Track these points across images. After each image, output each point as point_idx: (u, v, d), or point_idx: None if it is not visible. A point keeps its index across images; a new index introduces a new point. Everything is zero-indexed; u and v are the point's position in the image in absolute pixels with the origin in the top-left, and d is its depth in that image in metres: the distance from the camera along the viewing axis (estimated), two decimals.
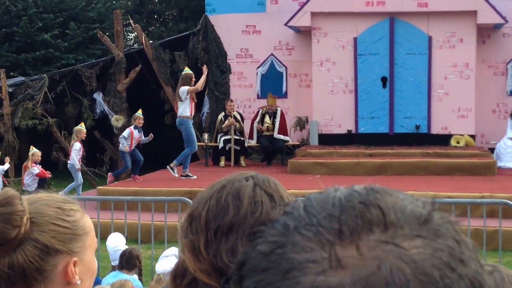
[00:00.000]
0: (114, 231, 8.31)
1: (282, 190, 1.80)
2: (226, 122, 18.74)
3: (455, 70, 18.59)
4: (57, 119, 21.06)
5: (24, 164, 16.57)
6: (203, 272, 1.71)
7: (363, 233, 0.70)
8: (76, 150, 15.93)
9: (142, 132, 16.80)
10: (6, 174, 18.16)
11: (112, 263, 7.54)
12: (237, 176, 1.84)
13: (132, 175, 16.75)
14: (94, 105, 21.79)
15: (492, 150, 18.44)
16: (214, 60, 20.90)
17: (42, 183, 16.61)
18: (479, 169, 16.39)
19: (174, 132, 21.09)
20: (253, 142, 19.28)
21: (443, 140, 18.49)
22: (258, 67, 20.61)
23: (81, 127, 16.57)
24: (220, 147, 18.82)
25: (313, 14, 18.70)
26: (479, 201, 9.88)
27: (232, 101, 19.47)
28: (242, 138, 18.96)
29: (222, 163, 18.72)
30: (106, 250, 7.86)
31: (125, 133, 16.44)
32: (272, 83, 20.31)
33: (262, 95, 19.93)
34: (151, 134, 16.96)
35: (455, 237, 0.73)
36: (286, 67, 20.38)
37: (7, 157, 17.27)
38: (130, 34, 31.96)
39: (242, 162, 18.13)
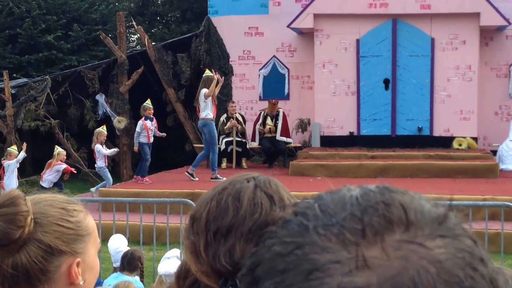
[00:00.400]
0: (115, 233, 8.29)
1: (283, 191, 1.78)
2: (228, 124, 18.80)
3: (458, 72, 18.58)
4: (59, 120, 21.05)
5: (49, 162, 16.49)
6: (203, 274, 1.71)
7: (386, 233, 0.70)
8: (98, 152, 16.03)
9: (154, 121, 16.79)
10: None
11: (114, 265, 7.55)
12: (239, 178, 1.84)
13: (134, 176, 16.65)
14: (96, 107, 21.82)
15: (494, 152, 18.42)
16: (217, 62, 20.89)
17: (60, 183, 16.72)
18: (481, 171, 16.42)
19: (177, 133, 21.12)
20: (255, 144, 19.31)
21: (446, 142, 18.48)
22: (261, 69, 20.60)
23: (103, 129, 16.60)
24: (222, 149, 18.81)
25: (316, 16, 18.70)
26: (481, 204, 9.86)
27: (234, 103, 19.51)
28: (244, 140, 18.99)
29: (224, 164, 18.75)
30: (107, 251, 7.85)
31: (138, 127, 16.45)
32: (275, 85, 20.32)
33: (264, 97, 19.94)
34: (164, 133, 17.07)
35: (472, 237, 0.73)
36: (288, 69, 20.37)
37: (24, 144, 17.28)
38: (132, 36, 32.01)
39: (244, 164, 18.12)
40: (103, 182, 16.24)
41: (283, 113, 19.12)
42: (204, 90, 15.21)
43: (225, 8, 20.91)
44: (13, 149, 16.49)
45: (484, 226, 9.14)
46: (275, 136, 18.71)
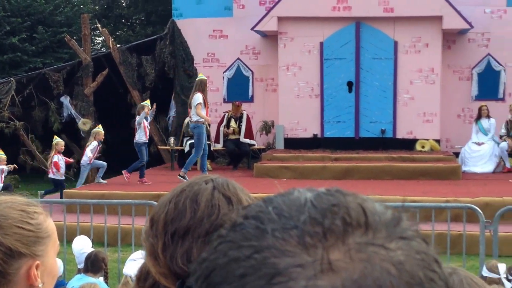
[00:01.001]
0: (80, 234, 8.20)
1: (241, 193, 1.78)
2: None
3: (421, 75, 18.73)
4: (24, 122, 20.80)
5: (50, 155, 16.70)
6: (162, 275, 1.72)
7: (347, 236, 0.69)
8: (91, 150, 16.13)
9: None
10: None
11: (78, 266, 7.52)
12: (197, 179, 1.85)
13: (139, 178, 16.44)
14: (61, 109, 21.66)
15: (457, 154, 18.61)
16: (181, 64, 20.91)
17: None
18: (444, 173, 16.56)
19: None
20: (219, 146, 19.31)
21: (408, 144, 18.63)
22: (225, 71, 20.60)
23: (99, 128, 16.70)
24: (186, 151, 18.87)
25: (280, 19, 18.72)
26: (444, 206, 9.95)
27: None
28: (208, 142, 18.89)
29: None
30: (72, 253, 7.76)
31: (138, 121, 16.36)
32: (239, 87, 20.34)
33: (229, 99, 19.94)
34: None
35: (424, 239, 0.73)
36: (252, 72, 20.37)
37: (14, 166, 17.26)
38: (97, 38, 31.84)
39: (208, 165, 18.01)
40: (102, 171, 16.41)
41: (247, 115, 19.12)
42: (197, 95, 15.05)
43: (189, 11, 20.87)
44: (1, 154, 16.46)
45: (446, 227, 9.23)
46: (239, 138, 18.72)
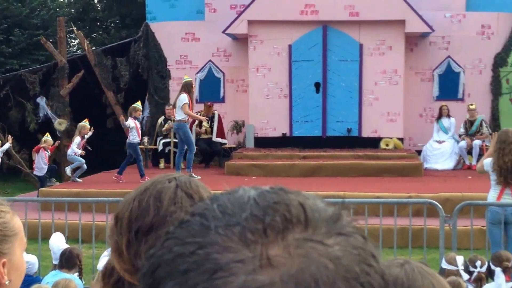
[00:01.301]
0: (55, 232, 8.13)
1: (203, 191, 1.78)
2: (166, 125, 18.79)
3: (385, 76, 18.81)
4: (1, 122, 20.61)
5: (35, 148, 16.78)
6: (126, 272, 1.72)
7: (287, 232, 0.70)
8: (76, 143, 16.16)
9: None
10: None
11: (54, 262, 7.40)
12: (161, 178, 1.84)
13: (114, 175, 16.39)
14: (37, 109, 21.48)
15: (419, 152, 18.72)
16: (155, 66, 20.84)
17: (52, 171, 17.22)
18: (407, 170, 16.64)
19: (116, 135, 20.88)
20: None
21: (373, 143, 18.71)
22: (197, 73, 20.54)
23: (85, 123, 16.61)
24: (159, 150, 18.89)
25: (250, 22, 18.72)
26: (405, 201, 10.00)
27: (171, 105, 19.30)
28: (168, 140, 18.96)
29: (162, 165, 18.77)
30: (47, 250, 7.73)
31: (130, 124, 16.14)
32: (210, 88, 20.31)
33: (201, 99, 19.88)
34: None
35: (363, 235, 0.74)
36: (223, 73, 20.36)
37: (9, 136, 17.45)
38: (73, 41, 31.58)
39: (181, 164, 17.97)
40: (76, 163, 16.31)
41: (219, 115, 19.12)
42: (183, 96, 15.12)
43: (162, 14, 20.81)
44: None
45: (408, 222, 9.28)
46: (211, 138, 18.71)
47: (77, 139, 16.20)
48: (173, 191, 1.75)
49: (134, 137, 15.99)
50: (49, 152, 16.68)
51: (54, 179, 16.66)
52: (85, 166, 16.24)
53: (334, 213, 0.74)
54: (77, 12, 30.63)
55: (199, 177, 15.43)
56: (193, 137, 16.00)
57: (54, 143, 17.20)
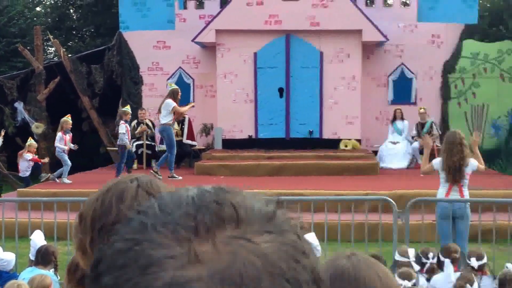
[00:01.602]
0: (31, 230, 8.07)
1: (164, 190, 1.74)
2: (139, 128, 18.66)
3: (343, 82, 18.88)
4: None
5: (20, 152, 16.75)
6: None
7: (218, 230, 0.69)
8: (58, 139, 15.93)
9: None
10: None
11: (32, 258, 7.36)
12: (123, 179, 1.83)
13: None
14: (15, 114, 21.23)
15: (375, 152, 18.83)
16: (128, 73, 20.72)
17: (37, 170, 17.00)
18: (364, 169, 16.72)
19: (92, 137, 20.78)
20: (163, 147, 19.14)
21: (333, 144, 18.77)
22: (168, 79, 20.41)
23: (67, 118, 16.40)
24: (133, 151, 18.67)
25: (218, 31, 18.72)
26: (362, 198, 10.07)
27: (144, 109, 19.33)
28: (153, 143, 18.92)
29: (135, 166, 18.59)
30: (24, 247, 7.66)
31: (122, 129, 16.16)
32: (181, 93, 20.16)
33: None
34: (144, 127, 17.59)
35: (297, 232, 0.74)
36: (193, 79, 20.32)
37: (2, 131, 17.41)
38: (50, 48, 31.24)
39: (153, 164, 17.95)
40: (62, 168, 16.06)
41: (189, 119, 19.09)
42: (170, 101, 15.32)
43: (135, 23, 20.70)
44: None
45: (365, 217, 9.26)
46: (181, 140, 18.65)
47: (59, 135, 15.96)
48: (135, 191, 1.73)
49: (123, 139, 16.00)
50: (32, 156, 16.50)
51: (43, 174, 16.48)
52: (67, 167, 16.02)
53: (269, 212, 0.74)
54: (54, 21, 30.31)
55: (180, 177, 15.55)
56: (174, 141, 15.96)
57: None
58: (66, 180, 15.81)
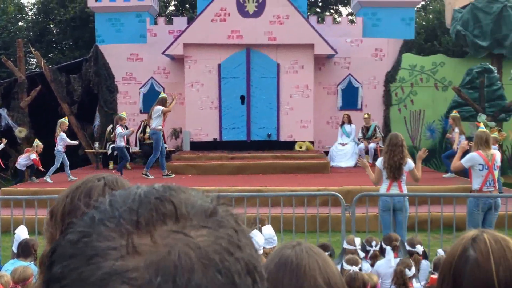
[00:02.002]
0: (14, 226, 7.96)
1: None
2: (114, 133, 18.48)
3: (298, 90, 18.95)
4: None
5: (26, 149, 16.50)
6: None
7: (158, 224, 0.69)
8: (61, 139, 15.58)
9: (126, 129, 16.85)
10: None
11: (15, 251, 7.29)
12: (91, 177, 1.80)
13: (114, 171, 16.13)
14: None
15: (326, 153, 18.89)
16: (104, 82, 20.56)
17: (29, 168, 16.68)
18: (317, 168, 16.80)
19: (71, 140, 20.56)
20: (136, 149, 19.12)
21: (289, 145, 18.81)
22: (141, 88, 20.41)
23: (65, 120, 16.13)
24: (109, 153, 18.63)
25: (185, 45, 18.68)
26: (314, 194, 10.09)
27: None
28: (127, 146, 18.73)
29: (111, 166, 18.54)
30: (7, 241, 7.53)
31: (121, 132, 16.02)
32: (152, 100, 19.81)
33: (144, 110, 19.73)
34: (132, 129, 17.35)
35: (235, 227, 0.73)
36: (163, 88, 20.22)
37: (3, 139, 16.98)
38: (32, 60, 30.82)
39: (128, 165, 17.87)
40: (54, 166, 15.75)
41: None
42: (159, 107, 15.52)
43: (110, 37, 20.59)
44: None
45: (316, 211, 9.35)
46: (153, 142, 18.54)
47: (61, 135, 15.55)
48: (102, 189, 1.71)
49: (120, 141, 15.89)
50: (36, 157, 16.15)
51: (34, 177, 16.19)
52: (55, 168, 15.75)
53: (209, 208, 0.73)
54: (35, 35, 29.89)
55: (152, 176, 15.52)
56: (161, 145, 15.92)
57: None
58: (49, 180, 15.60)
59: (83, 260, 0.66)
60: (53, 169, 15.74)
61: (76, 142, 16.83)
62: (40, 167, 16.29)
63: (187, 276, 0.65)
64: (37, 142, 16.38)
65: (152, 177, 15.60)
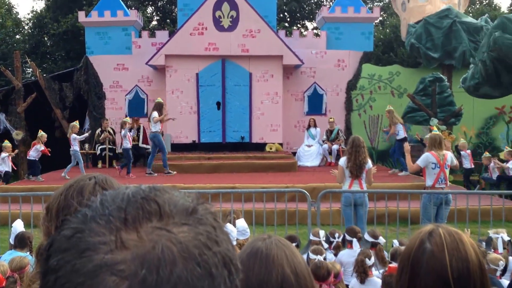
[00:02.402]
0: (12, 220, 7.81)
1: (117, 186, 1.71)
2: (102, 135, 18.38)
3: (268, 97, 18.92)
4: None
5: (34, 142, 16.01)
6: None
7: (144, 221, 0.69)
8: (74, 138, 15.30)
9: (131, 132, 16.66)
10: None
11: (12, 243, 7.12)
12: (83, 177, 1.79)
13: (119, 169, 15.92)
14: None
15: (294, 153, 18.91)
16: (93, 89, 20.33)
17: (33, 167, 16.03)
18: (285, 167, 16.77)
19: (63, 143, 20.23)
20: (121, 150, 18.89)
21: (261, 147, 18.79)
22: (126, 94, 20.18)
23: (76, 123, 15.83)
24: (98, 154, 18.41)
25: (167, 56, 18.55)
26: (283, 190, 10.06)
27: (107, 119, 19.08)
28: (114, 147, 18.59)
29: (100, 165, 18.37)
30: (5, 234, 7.40)
31: (124, 133, 15.66)
32: (137, 106, 20.01)
33: (130, 115, 19.53)
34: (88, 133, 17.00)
35: (213, 224, 0.73)
36: (147, 95, 20.06)
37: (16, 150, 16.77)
38: (28, 69, 30.39)
39: (115, 164, 17.64)
40: (70, 165, 15.50)
41: (143, 127, 18.82)
42: (155, 113, 15.29)
43: (99, 49, 20.33)
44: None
45: (284, 206, 9.35)
46: (138, 144, 18.40)
47: (73, 136, 15.30)
48: (93, 187, 1.71)
49: (126, 143, 15.62)
50: (42, 147, 15.73)
51: (37, 176, 15.75)
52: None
53: (190, 207, 0.73)
54: (31, 46, 29.53)
55: (174, 172, 15.43)
56: (164, 143, 15.84)
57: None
58: (67, 176, 15.25)
59: (76, 254, 0.67)
60: (69, 167, 15.58)
61: (86, 135, 16.56)
62: (48, 154, 15.92)
63: (170, 268, 0.65)
64: (41, 133, 15.97)
65: (175, 172, 15.73)
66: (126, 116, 19.11)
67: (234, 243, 5.89)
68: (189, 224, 0.71)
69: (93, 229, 0.69)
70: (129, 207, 0.71)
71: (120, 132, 16.01)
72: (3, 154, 15.75)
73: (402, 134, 15.45)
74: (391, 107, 16.18)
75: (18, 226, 7.15)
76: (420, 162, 8.83)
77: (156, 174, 15.73)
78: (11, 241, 6.99)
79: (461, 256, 1.62)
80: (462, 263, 1.61)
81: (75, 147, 15.33)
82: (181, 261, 0.66)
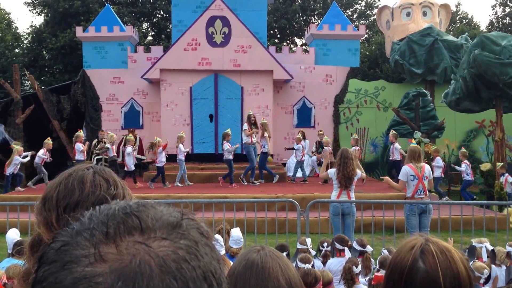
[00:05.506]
0: (9, 228, 7.72)
1: (115, 176, 1.70)
2: (99, 146, 18.22)
3: (259, 110, 18.91)
4: None
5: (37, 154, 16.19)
6: None
7: (124, 236, 0.69)
8: (79, 149, 15.60)
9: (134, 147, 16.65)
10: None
11: (9, 251, 7.05)
12: (80, 167, 1.74)
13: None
14: None
15: (284, 164, 18.90)
16: (90, 102, 20.27)
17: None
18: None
19: (60, 153, 20.14)
20: (119, 160, 18.75)
21: None
22: (122, 107, 20.13)
23: (80, 133, 16.10)
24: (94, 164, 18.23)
25: (161, 70, 18.55)
26: (273, 200, 10.06)
27: (103, 131, 18.95)
28: (112, 156, 18.47)
29: None
30: (3, 242, 7.33)
31: (129, 150, 15.75)
32: (132, 118, 19.97)
33: (125, 127, 19.51)
34: (32, 152, 16.45)
35: (195, 239, 0.72)
36: (142, 107, 20.04)
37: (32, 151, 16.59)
38: (26, 82, 30.28)
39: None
40: (39, 177, 15.60)
41: (140, 138, 18.79)
42: (245, 125, 15.66)
43: (96, 63, 20.30)
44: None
45: (275, 215, 9.33)
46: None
47: (77, 145, 15.59)
48: (92, 176, 1.66)
49: (131, 162, 15.70)
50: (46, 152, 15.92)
51: (20, 187, 15.61)
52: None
53: (174, 222, 0.72)
54: (30, 60, 29.43)
55: (192, 183, 15.66)
56: (254, 156, 15.92)
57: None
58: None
59: (60, 266, 0.67)
60: (37, 178, 15.60)
61: (28, 154, 16.27)
62: (49, 159, 16.08)
63: (146, 282, 0.65)
64: (49, 141, 16.24)
65: (242, 183, 15.75)
66: (122, 128, 19.10)
67: (222, 253, 5.84)
68: (170, 239, 0.70)
69: (79, 242, 0.69)
70: (111, 221, 0.71)
71: (124, 147, 16.01)
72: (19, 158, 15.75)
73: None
74: (324, 135, 16.68)
75: (11, 235, 7.10)
76: (401, 176, 8.81)
77: (191, 183, 15.68)
78: (9, 250, 6.95)
79: (454, 274, 1.62)
80: (454, 280, 1.62)
81: (79, 155, 15.56)
82: (158, 274, 0.66)
